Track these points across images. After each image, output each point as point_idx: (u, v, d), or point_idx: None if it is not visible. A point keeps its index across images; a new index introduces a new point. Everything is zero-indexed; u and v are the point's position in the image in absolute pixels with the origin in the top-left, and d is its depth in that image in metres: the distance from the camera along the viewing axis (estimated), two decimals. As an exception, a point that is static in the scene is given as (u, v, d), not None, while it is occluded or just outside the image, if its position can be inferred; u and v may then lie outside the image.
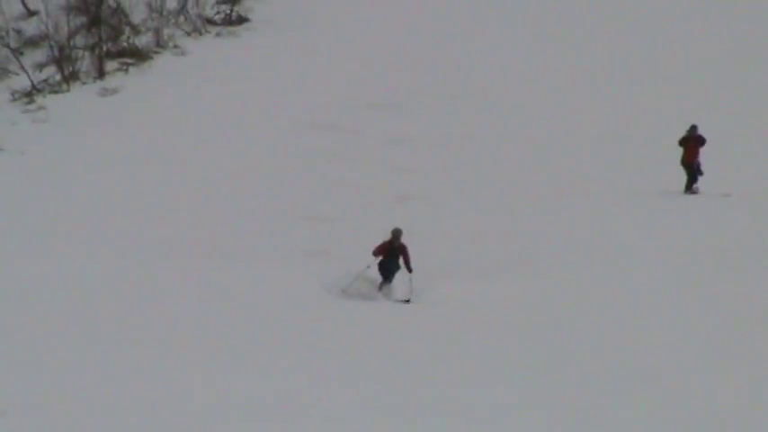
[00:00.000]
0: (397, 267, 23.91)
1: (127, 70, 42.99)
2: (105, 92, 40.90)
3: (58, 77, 41.98)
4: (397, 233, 23.80)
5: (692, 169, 31.09)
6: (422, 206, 30.77)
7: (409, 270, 23.72)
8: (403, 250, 23.74)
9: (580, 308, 23.02)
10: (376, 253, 23.64)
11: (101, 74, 42.38)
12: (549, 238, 27.87)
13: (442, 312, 22.71)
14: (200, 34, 46.25)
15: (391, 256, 23.73)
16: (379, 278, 24.11)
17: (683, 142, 31.07)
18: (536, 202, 30.92)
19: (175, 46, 44.91)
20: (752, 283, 24.55)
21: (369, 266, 23.58)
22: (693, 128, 31.01)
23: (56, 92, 41.33)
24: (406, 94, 41.06)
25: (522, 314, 22.82)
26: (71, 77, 41.97)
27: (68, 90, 41.57)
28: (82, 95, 41.20)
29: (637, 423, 17.51)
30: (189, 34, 46.09)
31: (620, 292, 24.10)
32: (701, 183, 31.16)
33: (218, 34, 46.47)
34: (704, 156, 31.00)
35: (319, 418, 16.97)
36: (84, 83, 42.22)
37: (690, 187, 31.28)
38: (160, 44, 44.88)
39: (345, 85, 41.67)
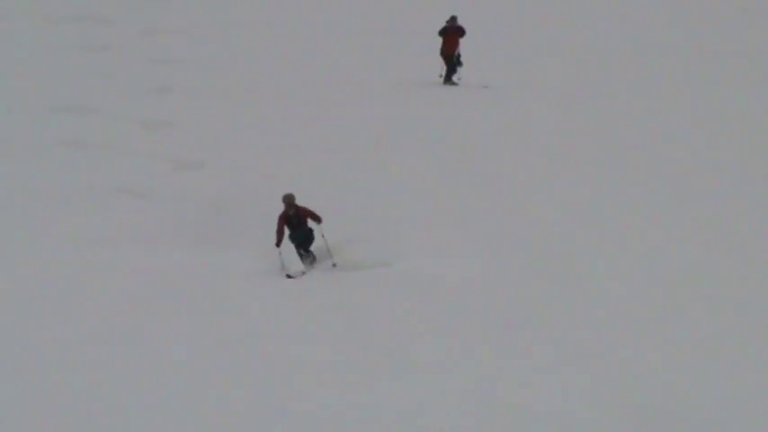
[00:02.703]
0: (311, 236, 20.48)
1: None
2: None
3: None
4: (288, 199, 20.11)
5: (452, 60, 31.27)
6: (181, 98, 30.27)
7: (318, 221, 20.26)
8: (303, 212, 20.21)
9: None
10: (279, 231, 19.97)
11: None
12: (322, 130, 27.81)
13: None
14: None
15: (295, 226, 20.24)
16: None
17: (442, 33, 31.09)
18: (298, 93, 30.80)
19: None
20: (503, 163, 25.54)
21: (279, 252, 19.94)
22: (453, 18, 31.03)
23: None
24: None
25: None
26: None
27: None
28: None
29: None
30: None
31: (388, 179, 24.43)
32: (461, 73, 31.51)
33: None
34: (464, 46, 31.22)
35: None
36: None
37: (449, 78, 31.44)
38: None
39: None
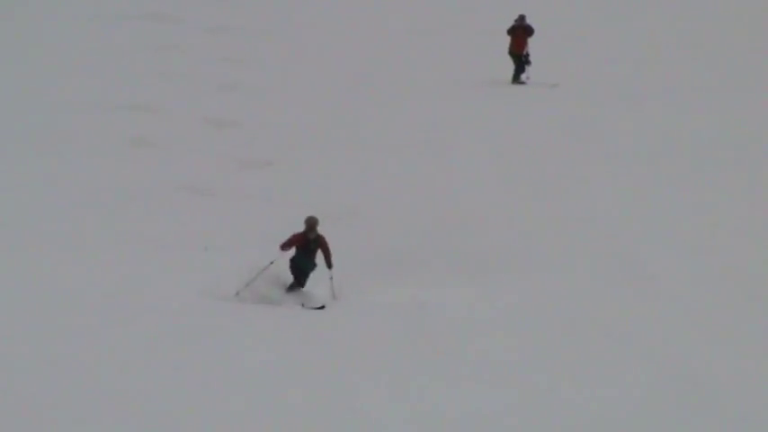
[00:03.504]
0: (313, 266, 19.18)
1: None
2: None
3: None
4: (312, 222, 18.91)
5: (520, 59, 31.53)
6: (247, 96, 30.61)
7: (329, 266, 19.03)
8: (321, 244, 19.00)
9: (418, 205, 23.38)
10: (286, 246, 18.87)
11: None
12: (388, 130, 28.10)
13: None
14: None
15: (305, 251, 19.02)
16: (290, 278, 19.57)
17: (510, 32, 31.42)
18: (369, 94, 31.04)
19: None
20: (569, 163, 25.75)
21: (272, 262, 18.92)
22: (522, 17, 31.34)
23: None
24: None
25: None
26: None
27: None
28: None
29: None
30: None
31: (457, 181, 24.64)
32: (530, 72, 31.75)
33: None
34: (533, 45, 31.52)
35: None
36: None
37: (517, 77, 31.73)
38: None
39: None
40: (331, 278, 18.94)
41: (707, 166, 25.37)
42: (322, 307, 18.74)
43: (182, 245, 20.82)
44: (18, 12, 38.27)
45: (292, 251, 18.89)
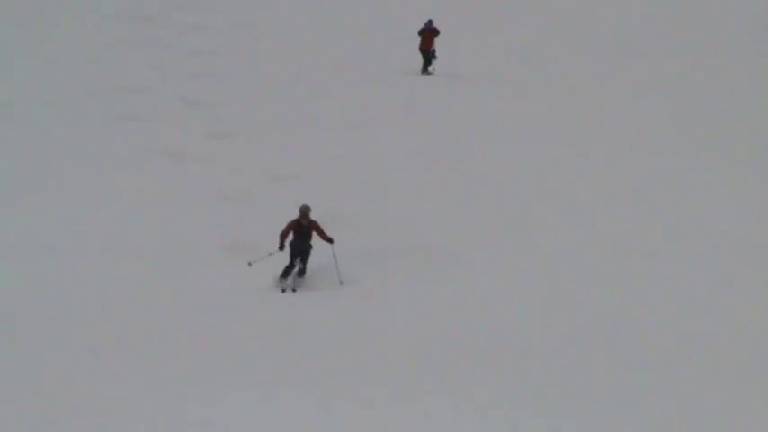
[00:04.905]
0: (309, 247, 19.56)
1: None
2: None
3: None
4: (305, 210, 19.32)
5: (428, 55, 33.81)
6: (215, 82, 32.80)
7: (329, 240, 19.51)
8: (314, 227, 19.41)
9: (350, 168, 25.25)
10: (284, 233, 19.22)
11: None
12: (326, 109, 30.00)
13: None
14: None
15: (301, 235, 19.40)
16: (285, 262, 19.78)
17: (420, 33, 33.80)
18: (312, 82, 33.04)
19: None
20: (480, 146, 27.20)
21: (271, 253, 19.33)
22: (429, 21, 33.84)
23: None
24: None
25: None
26: None
27: None
28: None
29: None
30: None
31: (382, 153, 26.44)
32: (436, 65, 34.05)
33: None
34: (438, 44, 33.70)
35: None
36: None
37: (426, 69, 34.07)
38: None
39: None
40: (334, 256, 19.55)
41: (596, 143, 26.82)
42: (341, 283, 19.60)
43: (163, 199, 22.85)
44: (30, 14, 39.80)
45: (290, 237, 19.53)
